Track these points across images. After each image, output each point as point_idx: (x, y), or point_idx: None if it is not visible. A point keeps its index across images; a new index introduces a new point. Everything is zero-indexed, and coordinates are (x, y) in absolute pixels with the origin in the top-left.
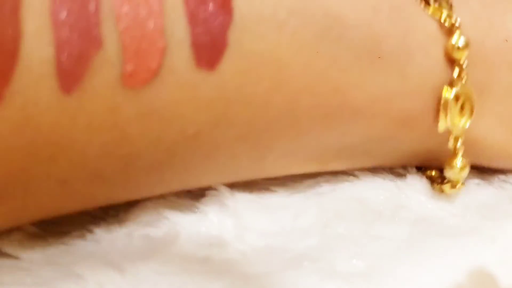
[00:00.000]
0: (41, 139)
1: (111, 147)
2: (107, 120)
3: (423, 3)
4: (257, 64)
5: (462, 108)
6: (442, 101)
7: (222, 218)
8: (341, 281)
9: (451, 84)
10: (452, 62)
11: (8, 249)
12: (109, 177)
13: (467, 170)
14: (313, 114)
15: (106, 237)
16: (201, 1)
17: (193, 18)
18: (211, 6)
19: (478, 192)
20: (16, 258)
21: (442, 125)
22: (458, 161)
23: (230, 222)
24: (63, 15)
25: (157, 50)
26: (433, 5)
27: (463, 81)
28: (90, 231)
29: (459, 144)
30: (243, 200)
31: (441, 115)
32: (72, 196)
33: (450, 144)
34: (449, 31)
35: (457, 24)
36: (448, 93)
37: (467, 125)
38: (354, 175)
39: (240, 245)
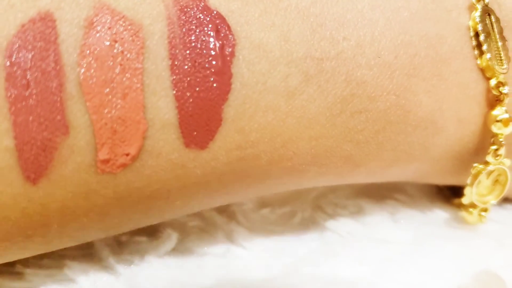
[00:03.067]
0: (11, 226)
1: (90, 224)
2: (82, 205)
3: (477, 50)
4: (257, 139)
5: (493, 182)
6: (471, 179)
7: (221, 220)
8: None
9: (485, 160)
10: (489, 134)
11: None
12: (90, 239)
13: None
14: (320, 179)
15: (99, 241)
16: (192, 68)
17: (181, 92)
18: (204, 74)
19: None
20: (9, 263)
21: (467, 200)
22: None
23: (228, 225)
24: (21, 97)
25: (136, 133)
26: (485, 58)
27: (501, 159)
28: None
29: (483, 213)
30: (242, 201)
31: (468, 190)
32: (51, 250)
33: (474, 216)
34: (495, 98)
35: (505, 92)
36: (480, 173)
37: (496, 202)
38: None
39: (239, 249)
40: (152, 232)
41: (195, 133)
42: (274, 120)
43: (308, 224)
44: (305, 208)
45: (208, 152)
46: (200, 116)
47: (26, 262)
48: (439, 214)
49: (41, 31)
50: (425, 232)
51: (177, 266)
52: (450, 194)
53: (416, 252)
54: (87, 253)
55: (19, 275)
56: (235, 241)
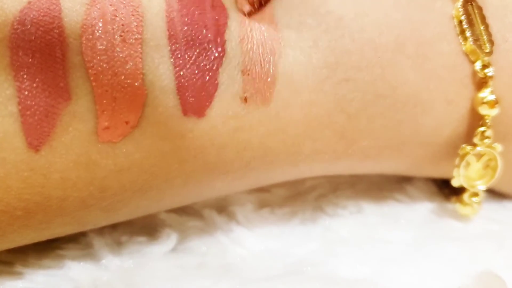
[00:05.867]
0: (12, 197)
1: (91, 201)
2: (82, 176)
3: (461, 37)
4: (252, 106)
5: (484, 166)
6: (458, 160)
7: (220, 219)
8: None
9: (473, 143)
10: (478, 117)
11: (1, 254)
12: (91, 223)
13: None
14: (316, 158)
15: (99, 241)
16: (189, 37)
17: (179, 59)
18: (200, 42)
19: (485, 195)
20: (9, 263)
21: (456, 182)
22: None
23: (228, 225)
24: (25, 64)
25: (136, 100)
26: (469, 43)
27: (489, 140)
28: (83, 234)
29: (474, 199)
30: (242, 201)
31: (456, 172)
32: (51, 235)
33: (465, 198)
34: (481, 81)
35: (490, 74)
36: (467, 154)
37: (486, 187)
38: (356, 176)
39: (239, 249)
40: (152, 232)
41: (192, 99)
42: (266, 87)
43: (308, 224)
44: (305, 208)
45: (206, 121)
46: (197, 81)
47: (26, 262)
48: (440, 215)
49: (46, 7)
50: (426, 233)
51: (177, 266)
52: (450, 193)
53: (417, 252)
54: (87, 253)
55: (19, 275)
56: (235, 241)
